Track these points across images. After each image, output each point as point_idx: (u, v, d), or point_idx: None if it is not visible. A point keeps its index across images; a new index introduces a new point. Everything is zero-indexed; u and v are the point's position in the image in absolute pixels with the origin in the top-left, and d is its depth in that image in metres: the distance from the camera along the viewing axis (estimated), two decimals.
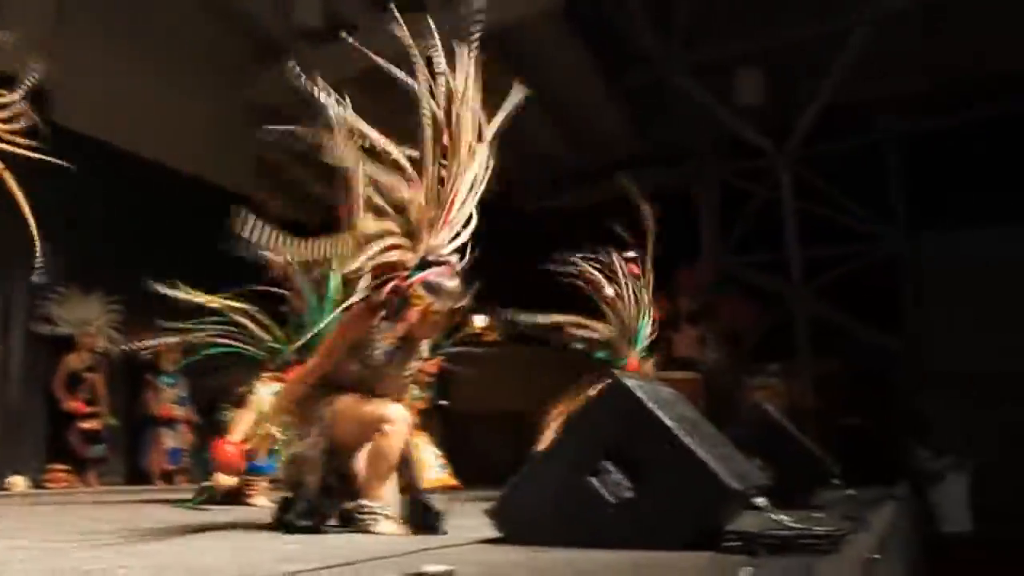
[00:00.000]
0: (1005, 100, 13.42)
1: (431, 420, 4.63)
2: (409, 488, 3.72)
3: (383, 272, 3.66)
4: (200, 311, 5.55)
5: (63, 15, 9.60)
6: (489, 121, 3.73)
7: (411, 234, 3.64)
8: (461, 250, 3.73)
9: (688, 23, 13.20)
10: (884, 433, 9.88)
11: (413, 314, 3.62)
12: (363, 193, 3.63)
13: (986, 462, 9.36)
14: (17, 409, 8.85)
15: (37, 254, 4.10)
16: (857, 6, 12.38)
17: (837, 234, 14.40)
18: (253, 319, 5.67)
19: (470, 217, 3.74)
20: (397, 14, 3.64)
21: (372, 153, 3.71)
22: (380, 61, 3.73)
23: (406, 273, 3.61)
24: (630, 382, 3.03)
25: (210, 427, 6.21)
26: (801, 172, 14.10)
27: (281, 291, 5.68)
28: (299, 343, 5.55)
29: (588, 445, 2.98)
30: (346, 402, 3.66)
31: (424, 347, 3.89)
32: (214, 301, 5.55)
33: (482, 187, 3.74)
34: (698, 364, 8.54)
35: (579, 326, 6.08)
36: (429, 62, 3.68)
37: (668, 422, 2.89)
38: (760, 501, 3.09)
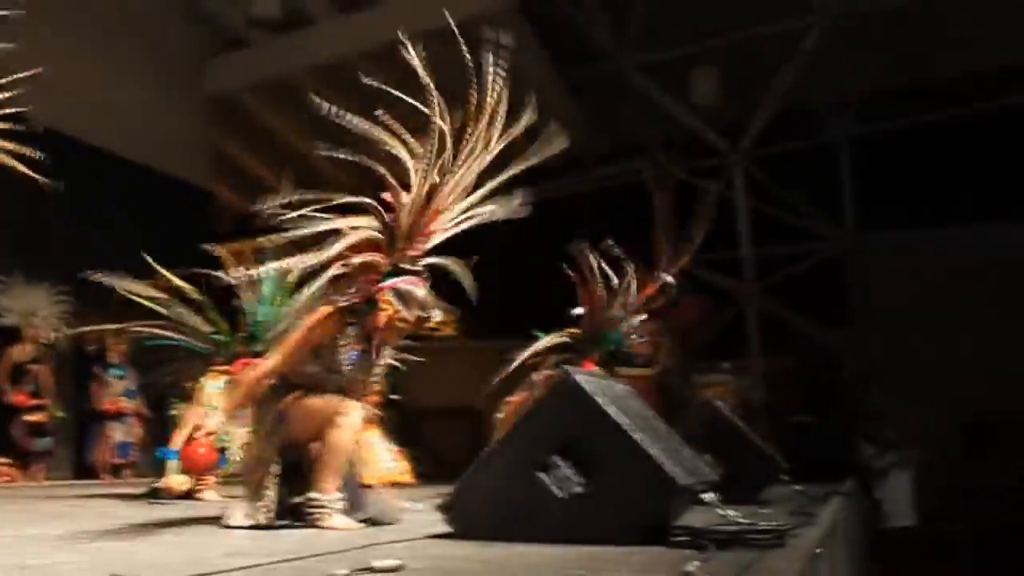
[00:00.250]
0: (953, 105, 13.68)
1: (384, 415, 4.61)
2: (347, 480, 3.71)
3: (353, 276, 3.67)
4: (147, 302, 5.51)
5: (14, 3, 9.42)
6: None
7: (391, 239, 3.64)
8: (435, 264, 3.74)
9: (644, 22, 13.26)
10: (832, 430, 10.01)
11: (380, 318, 3.62)
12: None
13: (930, 459, 9.53)
14: None
15: None
16: (811, 8, 12.52)
17: (788, 233, 14.58)
18: (199, 311, 5.63)
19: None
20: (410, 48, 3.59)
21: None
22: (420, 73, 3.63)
23: (377, 277, 3.62)
24: (580, 378, 3.04)
25: (159, 421, 6.15)
26: (754, 172, 14.25)
27: (233, 284, 5.63)
28: (244, 336, 5.56)
29: (538, 440, 2.99)
30: (300, 397, 3.65)
31: (387, 353, 3.88)
32: (156, 292, 5.49)
33: (471, 206, 3.74)
34: (654, 362, 8.57)
35: None
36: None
37: (618, 418, 2.90)
38: (709, 496, 3.12)
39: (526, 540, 2.84)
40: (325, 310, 3.66)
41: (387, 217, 3.64)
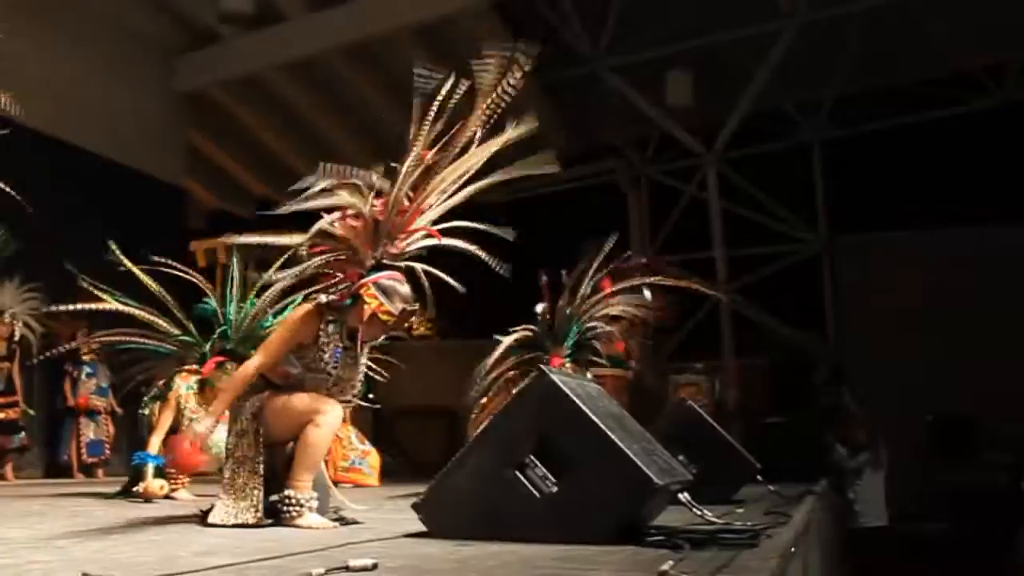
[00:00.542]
0: (925, 107, 13.83)
1: (360, 414, 4.61)
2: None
3: (334, 274, 3.70)
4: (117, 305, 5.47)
5: None
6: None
7: (374, 234, 3.66)
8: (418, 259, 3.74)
9: (619, 23, 13.30)
10: (804, 430, 10.08)
11: (364, 312, 3.62)
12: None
13: (902, 459, 9.61)
14: None
15: None
16: (784, 12, 12.60)
17: (761, 235, 14.68)
18: (166, 314, 5.61)
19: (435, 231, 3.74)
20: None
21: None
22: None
23: (360, 273, 3.63)
24: (556, 377, 3.04)
25: (131, 420, 6.11)
26: (727, 173, 14.32)
27: (203, 283, 5.63)
28: (212, 337, 5.55)
29: (514, 439, 2.99)
30: (278, 396, 3.64)
31: (367, 351, 3.88)
32: (122, 306, 5.46)
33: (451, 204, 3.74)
34: (621, 363, 8.61)
35: None
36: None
37: (593, 417, 2.90)
38: (683, 496, 3.13)
39: (501, 539, 2.85)
40: (307, 308, 3.65)
41: (372, 208, 3.63)
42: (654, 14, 12.99)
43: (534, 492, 2.89)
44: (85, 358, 9.23)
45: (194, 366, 5.73)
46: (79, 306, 5.32)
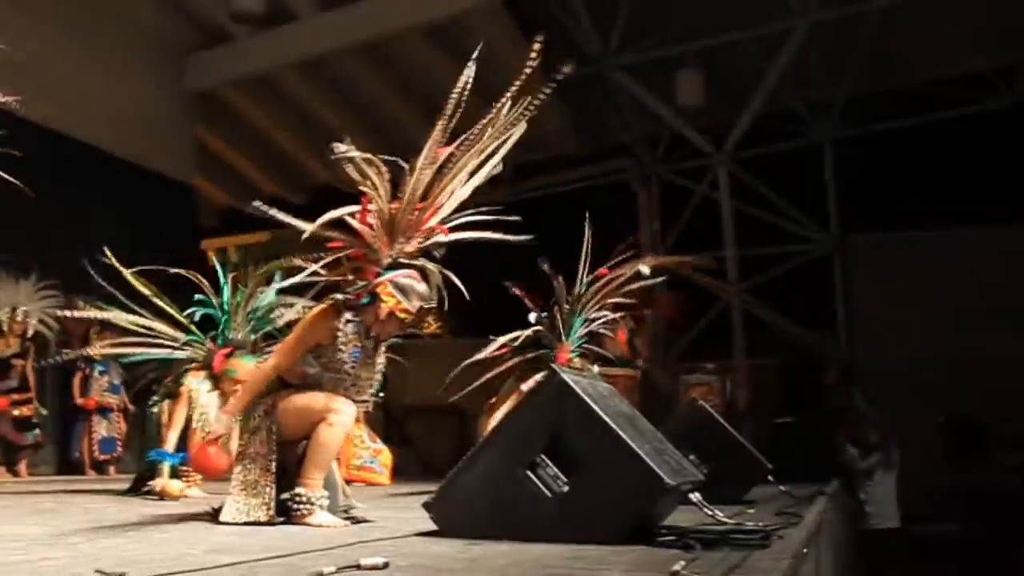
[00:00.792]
0: (937, 107, 13.77)
1: (371, 412, 4.61)
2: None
3: (351, 273, 3.72)
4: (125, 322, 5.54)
5: None
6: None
7: (390, 233, 3.66)
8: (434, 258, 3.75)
9: (630, 22, 13.28)
10: (815, 431, 10.05)
11: (382, 311, 3.62)
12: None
13: (913, 460, 9.58)
14: None
15: None
16: (795, 11, 12.57)
17: (772, 235, 14.64)
18: (170, 322, 5.65)
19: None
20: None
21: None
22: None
23: (376, 271, 3.63)
24: (568, 376, 3.04)
25: (142, 417, 6.15)
26: (738, 173, 14.29)
27: (198, 279, 5.69)
28: (214, 335, 5.62)
29: (525, 439, 2.99)
30: (292, 394, 3.64)
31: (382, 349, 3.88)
32: (130, 317, 5.52)
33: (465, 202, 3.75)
34: (630, 363, 8.61)
35: None
36: None
37: (605, 416, 2.90)
38: (695, 496, 3.13)
39: (512, 538, 2.84)
40: (324, 307, 3.65)
41: (389, 207, 3.63)
42: (664, 13, 12.97)
43: (545, 491, 2.88)
44: (97, 355, 9.25)
45: (202, 364, 5.76)
46: (90, 314, 5.37)
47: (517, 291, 6.26)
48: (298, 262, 3.86)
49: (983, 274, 12.78)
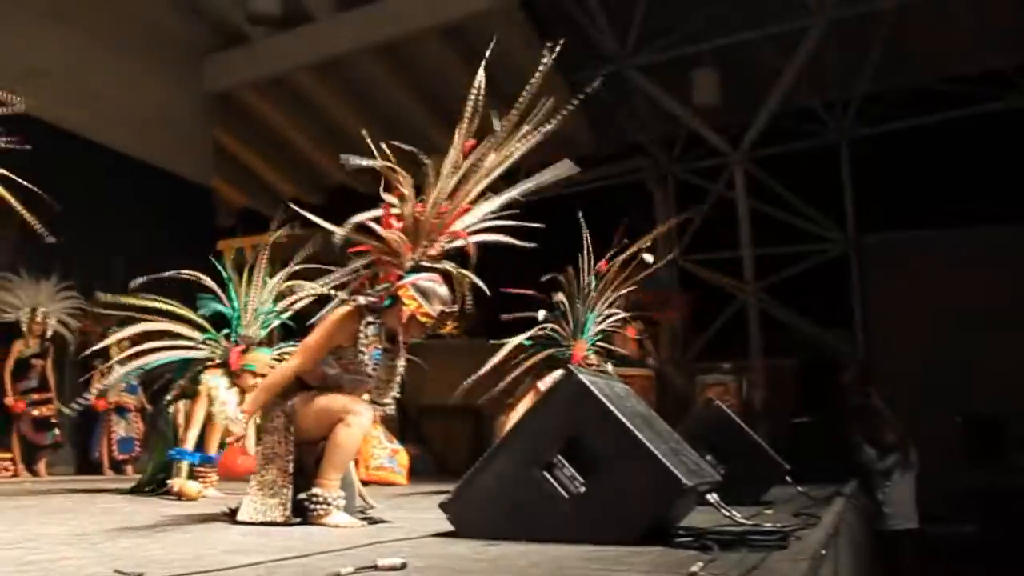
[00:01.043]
0: (954, 106, 13.70)
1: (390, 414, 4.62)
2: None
3: (372, 276, 3.72)
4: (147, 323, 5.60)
5: None
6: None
7: (414, 237, 3.67)
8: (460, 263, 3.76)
9: (646, 21, 13.26)
10: (833, 431, 10.01)
11: (404, 314, 3.63)
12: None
13: (932, 460, 9.52)
14: None
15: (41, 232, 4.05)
16: (812, 9, 12.52)
17: (788, 234, 14.59)
18: (186, 322, 5.70)
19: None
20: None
21: None
22: None
23: (399, 274, 3.64)
24: (584, 376, 3.03)
25: (160, 416, 6.17)
26: (754, 172, 14.25)
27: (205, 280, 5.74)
28: (227, 333, 5.67)
29: (542, 439, 2.98)
30: (311, 395, 3.65)
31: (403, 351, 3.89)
32: (150, 319, 5.58)
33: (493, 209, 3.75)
34: (641, 363, 8.61)
35: None
36: None
37: (622, 417, 2.89)
38: (712, 497, 3.12)
39: (529, 539, 2.84)
40: (345, 310, 3.65)
41: (413, 210, 3.64)
42: (680, 12, 12.94)
43: (562, 492, 2.88)
44: (115, 356, 9.30)
45: (219, 363, 5.79)
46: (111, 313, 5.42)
47: (517, 291, 6.24)
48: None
49: (1001, 273, 12.69)
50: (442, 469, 11.93)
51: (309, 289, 4.17)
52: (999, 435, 11.84)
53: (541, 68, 3.62)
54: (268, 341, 5.95)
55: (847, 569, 4.59)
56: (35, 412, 8.78)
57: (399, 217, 3.67)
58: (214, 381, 5.71)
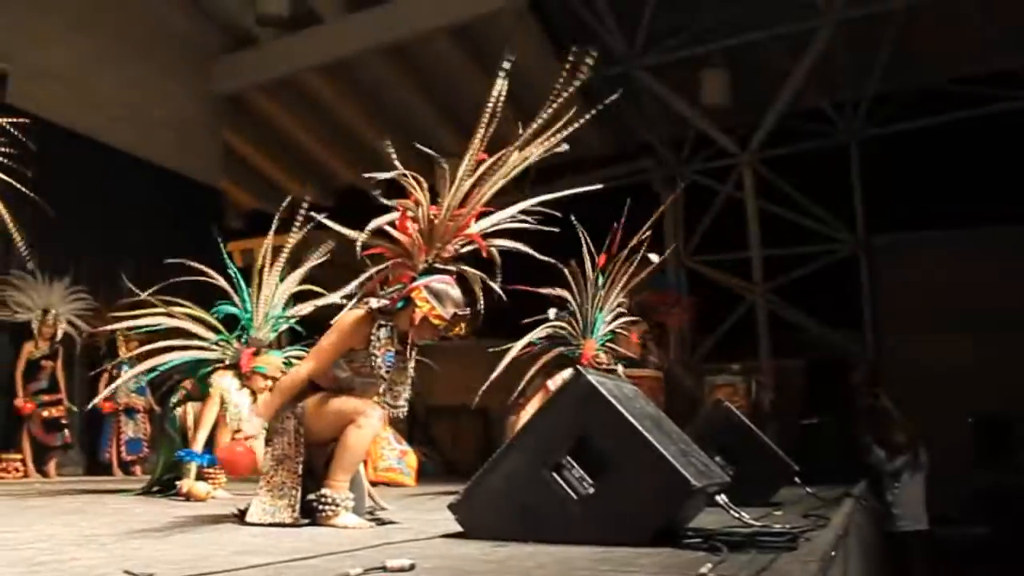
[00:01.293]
0: (964, 106, 13.66)
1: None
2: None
3: (384, 279, 3.73)
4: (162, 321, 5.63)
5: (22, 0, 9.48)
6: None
7: (428, 239, 3.68)
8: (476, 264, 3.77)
9: (654, 21, 13.26)
10: (842, 432, 9.99)
11: (416, 316, 3.63)
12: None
13: (941, 461, 9.49)
14: None
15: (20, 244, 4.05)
16: (821, 9, 12.50)
17: (798, 235, 14.57)
18: (199, 321, 5.72)
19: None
20: None
21: None
22: None
23: (412, 276, 3.65)
24: (593, 377, 3.03)
25: (166, 418, 6.20)
26: (764, 173, 14.23)
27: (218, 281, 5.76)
28: (238, 334, 5.70)
29: (551, 440, 2.98)
30: (321, 397, 3.66)
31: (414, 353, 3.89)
32: (162, 314, 5.61)
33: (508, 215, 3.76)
34: (642, 363, 8.60)
35: None
36: None
37: (630, 418, 2.89)
38: (721, 498, 3.11)
39: (538, 540, 2.84)
40: (359, 314, 3.65)
41: (428, 213, 3.65)
42: (689, 13, 12.93)
43: (571, 493, 2.88)
44: (124, 357, 9.33)
45: (230, 362, 5.81)
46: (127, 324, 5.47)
47: (526, 288, 6.25)
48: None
49: (1011, 273, 12.66)
50: (450, 470, 11.94)
51: (326, 298, 4.18)
52: (1009, 436, 11.80)
53: (561, 84, 3.62)
54: (277, 344, 5.97)
55: (857, 571, 4.57)
56: (45, 413, 8.81)
57: (414, 220, 3.67)
58: (225, 383, 5.73)
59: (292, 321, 5.85)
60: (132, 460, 9.53)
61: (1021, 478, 10.95)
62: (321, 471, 3.62)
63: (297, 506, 3.54)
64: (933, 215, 13.41)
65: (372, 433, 3.67)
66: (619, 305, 6.38)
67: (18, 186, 3.90)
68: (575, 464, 2.90)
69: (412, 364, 3.82)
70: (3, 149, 4.08)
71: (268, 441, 3.68)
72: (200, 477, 5.69)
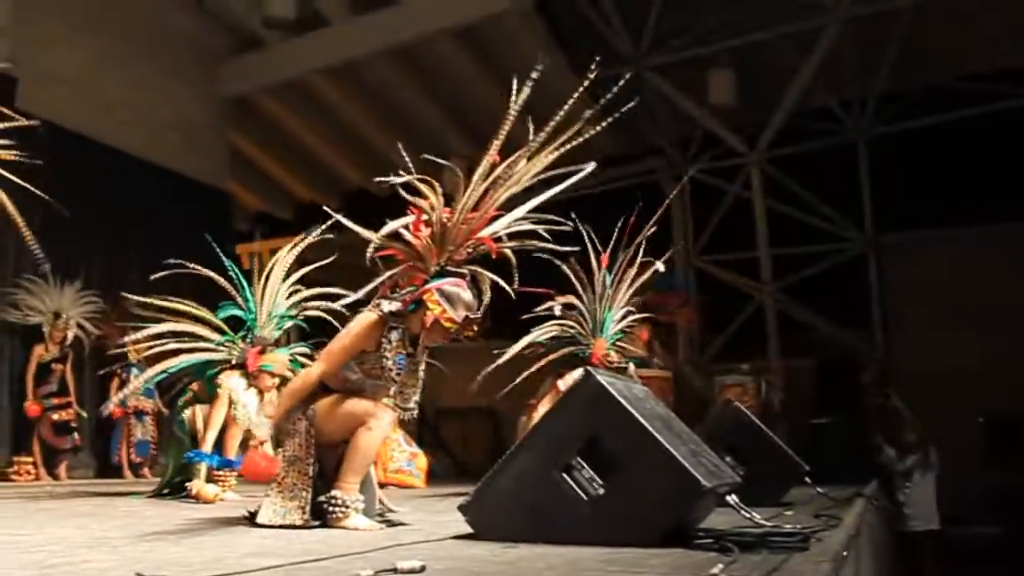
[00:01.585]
0: (972, 103, 13.60)
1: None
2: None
3: (395, 282, 3.74)
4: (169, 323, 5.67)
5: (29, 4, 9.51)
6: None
7: (440, 241, 3.69)
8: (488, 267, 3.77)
9: (660, 21, 13.25)
10: (852, 431, 9.95)
11: (428, 319, 3.63)
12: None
13: (953, 461, 9.45)
14: None
15: (35, 249, 4.06)
16: (828, 7, 12.47)
17: (806, 234, 14.53)
18: (203, 323, 5.75)
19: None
20: None
21: None
22: None
23: (424, 279, 3.66)
24: (602, 378, 3.02)
25: (173, 420, 6.22)
26: (771, 172, 14.20)
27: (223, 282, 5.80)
28: (243, 334, 5.74)
29: (560, 441, 2.98)
30: (331, 399, 3.66)
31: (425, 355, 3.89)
32: (172, 316, 5.65)
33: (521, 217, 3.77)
34: (646, 362, 8.59)
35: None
36: None
37: (640, 419, 2.88)
38: (731, 498, 3.10)
39: (548, 541, 2.83)
40: (371, 317, 3.65)
41: (441, 216, 3.66)
42: (695, 13, 12.92)
43: (581, 494, 2.87)
44: (133, 359, 9.35)
45: (236, 362, 5.83)
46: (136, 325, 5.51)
47: (534, 291, 6.25)
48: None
49: (1021, 270, 12.60)
50: (460, 471, 11.93)
51: (339, 301, 4.19)
52: (1021, 436, 11.74)
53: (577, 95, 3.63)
54: (285, 341, 6.02)
55: (868, 571, 4.56)
56: (55, 416, 8.84)
57: (427, 223, 3.68)
58: (232, 382, 5.75)
59: (296, 319, 5.89)
60: (140, 462, 9.56)
61: None
62: (332, 473, 3.63)
63: (307, 507, 3.54)
64: (942, 213, 13.35)
65: (382, 435, 3.67)
66: (628, 303, 6.37)
67: (32, 189, 3.91)
68: (585, 465, 2.90)
69: (423, 367, 3.82)
70: (13, 153, 4.08)
71: (279, 443, 3.69)
72: (210, 479, 5.70)
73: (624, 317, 6.39)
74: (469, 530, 3.12)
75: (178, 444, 5.97)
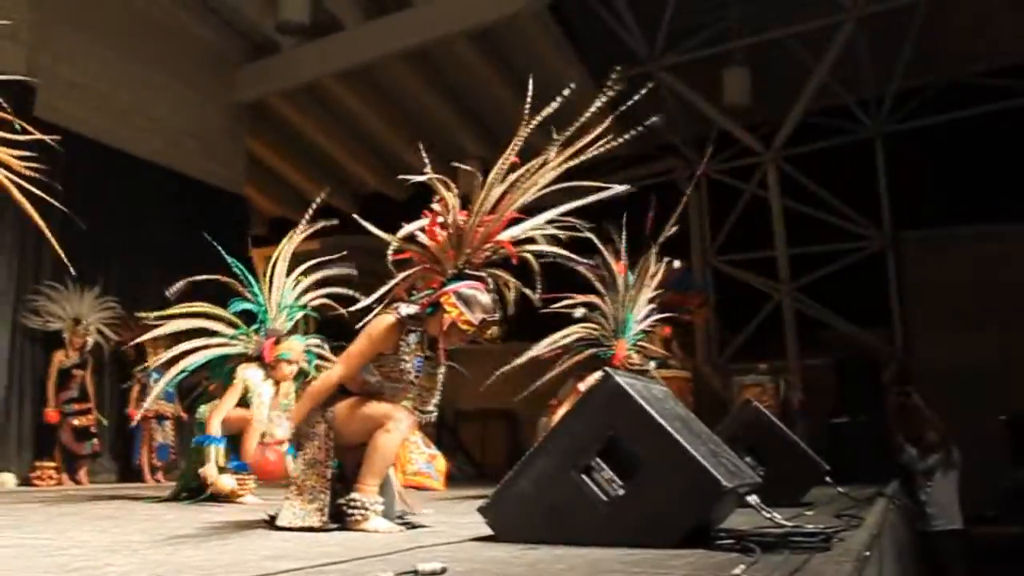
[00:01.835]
0: (989, 100, 13.52)
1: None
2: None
3: (412, 285, 3.75)
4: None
5: (44, 10, 9.57)
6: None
7: (457, 245, 3.69)
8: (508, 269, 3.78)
9: (675, 20, 13.22)
10: (873, 431, 9.89)
11: (445, 321, 3.63)
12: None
13: (975, 460, 9.38)
14: (3, 407, 8.81)
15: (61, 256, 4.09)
16: (843, 5, 12.42)
17: (824, 233, 14.47)
18: (217, 318, 5.80)
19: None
20: None
21: None
22: None
23: (441, 281, 3.66)
24: (622, 378, 3.01)
25: (192, 424, 6.26)
26: (788, 171, 14.15)
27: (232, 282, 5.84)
28: (255, 328, 5.79)
29: (580, 442, 2.97)
30: (351, 401, 3.66)
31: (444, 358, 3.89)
32: (187, 317, 5.69)
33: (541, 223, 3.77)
34: (664, 362, 8.57)
35: None
36: None
37: (660, 419, 2.87)
38: (752, 499, 3.09)
39: (568, 543, 2.83)
40: (389, 320, 3.65)
41: (457, 219, 3.66)
42: (709, 12, 12.89)
43: (601, 495, 2.86)
44: (152, 364, 9.39)
45: (252, 355, 5.88)
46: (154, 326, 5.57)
47: (554, 295, 6.24)
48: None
49: None
50: (479, 473, 11.93)
51: (357, 303, 4.20)
52: None
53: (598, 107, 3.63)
54: (298, 331, 6.07)
55: (891, 571, 4.53)
56: (75, 422, 8.89)
57: (443, 226, 3.68)
58: (249, 373, 5.78)
59: (306, 310, 5.93)
60: (160, 466, 9.60)
61: None
62: (351, 475, 3.63)
63: (327, 510, 3.54)
64: (961, 210, 13.27)
65: (401, 437, 3.67)
66: (650, 302, 6.36)
67: (51, 201, 3.93)
68: (604, 466, 2.89)
69: (442, 369, 3.82)
70: (34, 163, 4.11)
71: (298, 446, 3.69)
72: (220, 469, 5.71)
73: (646, 317, 6.37)
74: (489, 532, 3.11)
75: (197, 448, 5.98)
